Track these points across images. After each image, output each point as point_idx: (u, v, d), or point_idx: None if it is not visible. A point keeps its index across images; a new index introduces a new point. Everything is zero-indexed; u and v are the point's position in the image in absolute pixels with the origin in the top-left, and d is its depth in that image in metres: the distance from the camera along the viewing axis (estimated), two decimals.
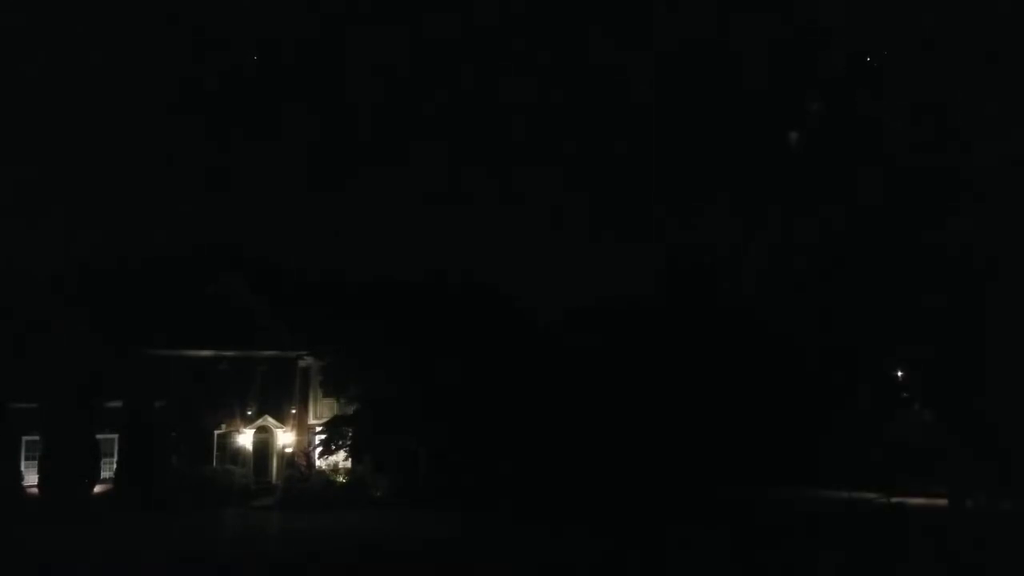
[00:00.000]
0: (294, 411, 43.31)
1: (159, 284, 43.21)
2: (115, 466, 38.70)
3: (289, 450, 42.07)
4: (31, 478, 37.43)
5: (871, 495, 39.00)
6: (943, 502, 37.53)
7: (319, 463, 41.94)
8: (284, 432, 42.84)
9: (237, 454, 41.93)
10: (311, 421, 43.94)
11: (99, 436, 38.18)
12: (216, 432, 41.92)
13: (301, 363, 43.85)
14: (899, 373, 43.86)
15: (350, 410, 41.64)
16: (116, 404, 39.10)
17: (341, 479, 40.26)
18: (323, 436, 42.24)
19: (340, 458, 41.58)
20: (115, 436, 39.07)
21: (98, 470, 37.90)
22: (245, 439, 42.15)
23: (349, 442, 40.84)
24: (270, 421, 42.74)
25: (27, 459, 38.21)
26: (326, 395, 43.60)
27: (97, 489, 37.58)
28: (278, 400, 43.05)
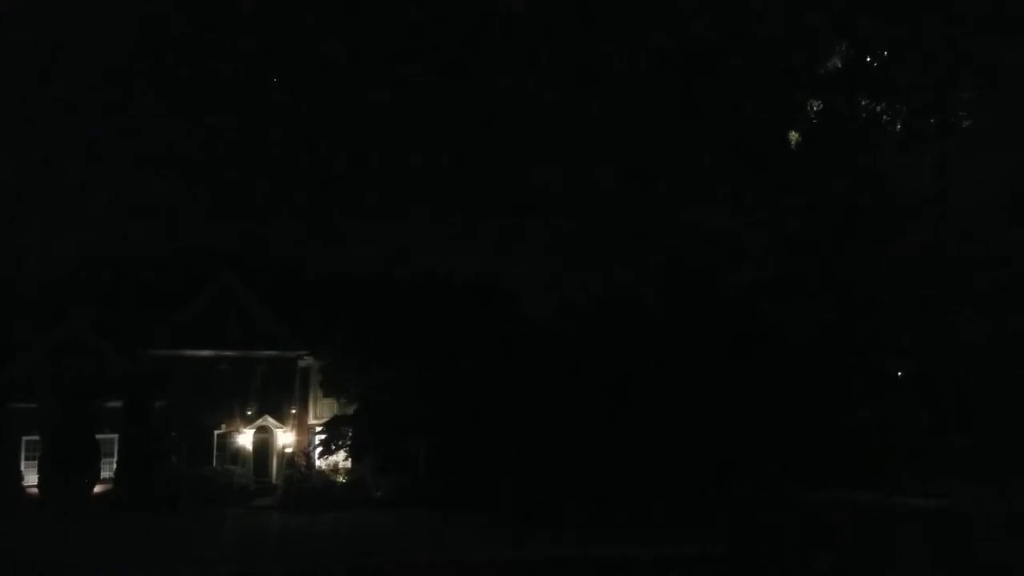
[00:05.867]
0: (294, 411, 43.34)
1: (159, 284, 43.26)
2: (115, 466, 38.73)
3: (289, 450, 42.08)
4: (31, 478, 37.47)
5: (871, 495, 38.94)
6: (943, 502, 37.48)
7: (319, 463, 41.94)
8: (284, 432, 42.87)
9: (237, 454, 41.98)
10: (311, 421, 43.97)
11: (99, 436, 38.22)
12: (216, 432, 41.98)
13: (301, 363, 43.88)
14: (899, 373, 43.82)
15: (350, 410, 41.65)
16: (116, 404, 39.14)
17: (341, 479, 40.27)
18: (323, 436, 42.26)
19: (340, 458, 41.58)
20: (115, 436, 39.10)
21: (98, 470, 37.93)
22: (245, 439, 42.21)
23: (349, 442, 40.85)
24: (270, 421, 42.78)
25: (27, 459, 38.29)
26: (326, 395, 43.60)
27: (97, 489, 37.61)
28: (278, 400, 43.08)
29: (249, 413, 42.54)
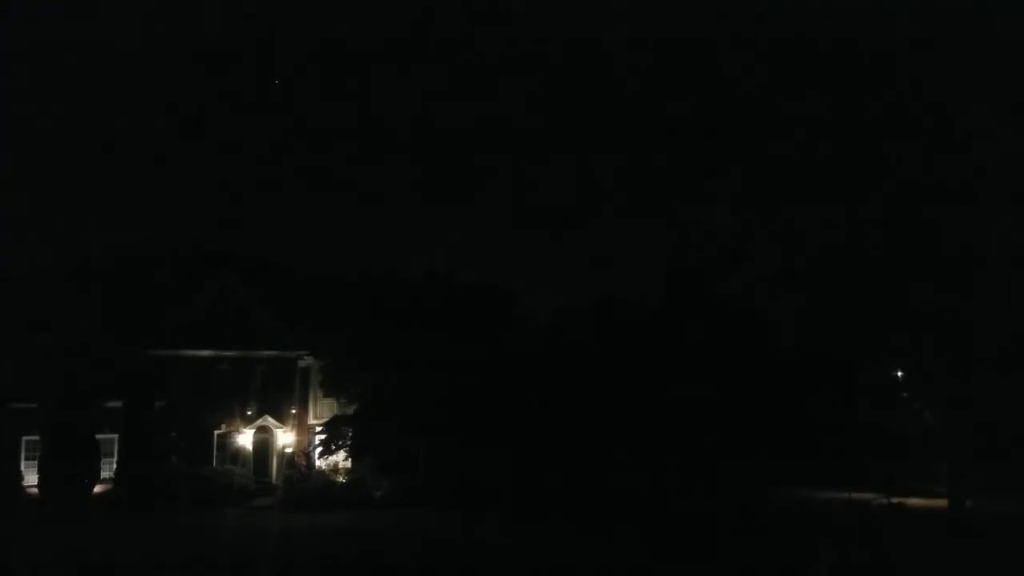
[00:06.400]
0: (294, 411, 43.33)
1: (159, 284, 43.29)
2: (115, 466, 38.77)
3: (289, 450, 42.08)
4: (31, 478, 37.48)
5: (871, 495, 38.97)
6: (943, 502, 37.51)
7: (319, 463, 41.95)
8: (284, 432, 42.87)
9: (237, 454, 41.99)
10: (311, 421, 43.97)
11: (99, 436, 38.24)
12: (216, 432, 41.99)
13: (301, 363, 43.89)
14: (899, 373, 43.80)
15: (350, 410, 41.66)
16: (116, 404, 39.15)
17: (341, 479, 40.26)
18: (323, 436, 42.26)
19: (340, 458, 41.59)
20: (115, 436, 39.14)
21: (98, 470, 37.94)
22: (245, 439, 42.20)
23: (349, 442, 40.85)
24: (270, 421, 42.78)
25: (27, 459, 38.31)
26: (326, 395, 43.61)
27: (97, 489, 37.61)
28: (278, 400, 43.08)
29: (249, 413, 42.54)
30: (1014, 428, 36.89)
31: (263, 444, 42.83)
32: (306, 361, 43.92)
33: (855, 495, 39.08)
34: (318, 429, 43.24)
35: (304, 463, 41.14)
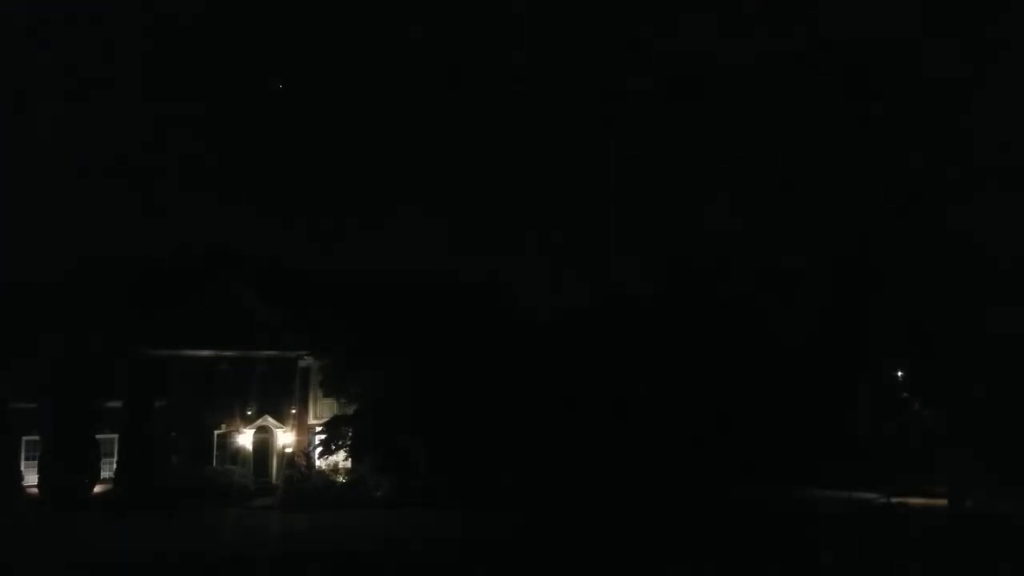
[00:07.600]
0: (294, 411, 43.31)
1: (159, 284, 43.28)
2: (115, 466, 38.75)
3: (289, 450, 42.07)
4: (31, 478, 37.49)
5: (871, 495, 38.97)
6: (943, 502, 37.53)
7: (319, 463, 41.93)
8: (284, 432, 42.86)
9: (237, 454, 41.98)
10: (311, 421, 43.95)
11: (99, 436, 38.24)
12: (216, 432, 41.99)
13: (301, 363, 43.87)
14: (899, 373, 43.84)
15: (350, 410, 41.64)
16: (116, 404, 39.13)
17: (341, 479, 40.27)
18: (323, 436, 42.24)
19: (340, 458, 41.58)
20: (115, 436, 39.14)
21: (98, 470, 37.96)
22: (245, 439, 42.20)
23: (349, 442, 40.84)
24: (270, 421, 42.77)
25: (27, 459, 38.31)
26: (326, 395, 43.59)
27: (97, 489, 37.62)
28: (278, 400, 43.05)
29: (249, 413, 42.52)
30: (1014, 427, 36.93)
31: (263, 444, 42.82)
32: (306, 361, 43.91)
33: (855, 494, 39.07)
34: (318, 429, 43.23)
35: (304, 463, 41.12)
